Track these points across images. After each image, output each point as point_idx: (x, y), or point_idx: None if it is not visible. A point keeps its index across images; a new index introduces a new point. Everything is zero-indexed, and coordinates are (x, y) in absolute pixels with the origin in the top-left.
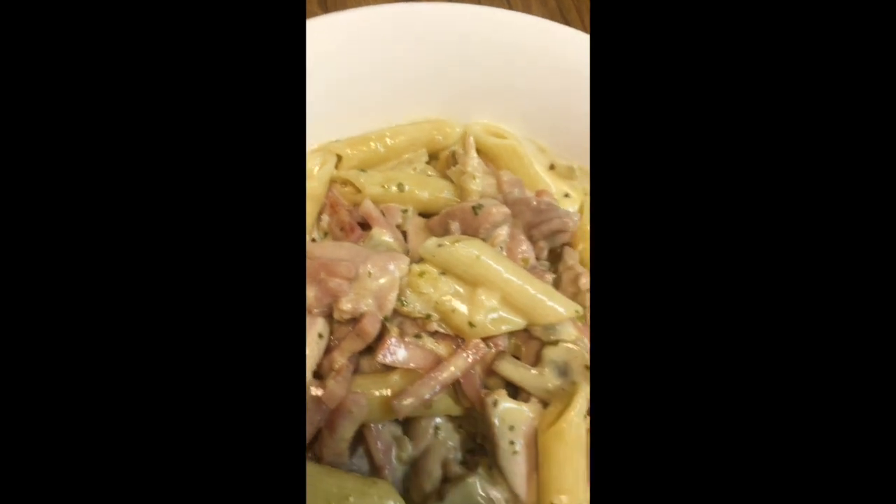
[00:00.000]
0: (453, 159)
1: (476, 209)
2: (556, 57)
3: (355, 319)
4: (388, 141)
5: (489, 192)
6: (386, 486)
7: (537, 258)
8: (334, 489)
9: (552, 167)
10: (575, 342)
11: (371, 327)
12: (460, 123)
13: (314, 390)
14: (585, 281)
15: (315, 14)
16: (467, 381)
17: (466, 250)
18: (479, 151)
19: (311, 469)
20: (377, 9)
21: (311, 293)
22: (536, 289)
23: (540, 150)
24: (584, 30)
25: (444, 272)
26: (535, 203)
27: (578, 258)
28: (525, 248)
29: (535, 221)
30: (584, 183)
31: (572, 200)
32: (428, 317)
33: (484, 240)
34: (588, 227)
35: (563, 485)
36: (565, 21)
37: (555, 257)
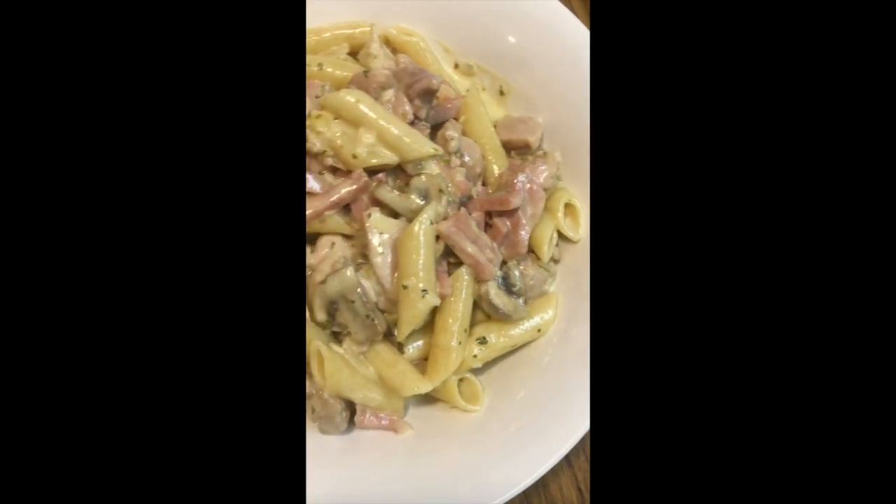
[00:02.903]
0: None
1: (366, 73)
2: None
3: None
4: (314, 38)
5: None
6: None
7: (417, 117)
8: None
9: (456, 66)
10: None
11: None
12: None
13: None
14: (450, 133)
15: None
16: (356, 205)
17: (347, 96)
18: (394, 50)
19: None
20: None
21: None
22: (403, 132)
23: (445, 51)
24: None
25: (336, 117)
26: (410, 68)
27: (461, 129)
28: (407, 108)
29: (410, 82)
30: (482, 77)
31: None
32: (324, 152)
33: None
34: (472, 103)
35: (409, 271)
36: None
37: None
